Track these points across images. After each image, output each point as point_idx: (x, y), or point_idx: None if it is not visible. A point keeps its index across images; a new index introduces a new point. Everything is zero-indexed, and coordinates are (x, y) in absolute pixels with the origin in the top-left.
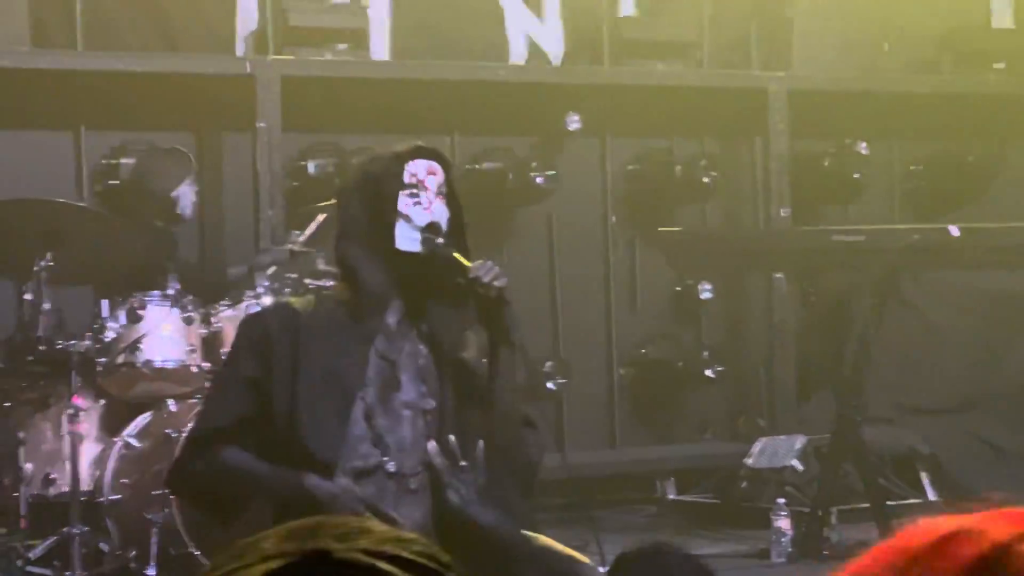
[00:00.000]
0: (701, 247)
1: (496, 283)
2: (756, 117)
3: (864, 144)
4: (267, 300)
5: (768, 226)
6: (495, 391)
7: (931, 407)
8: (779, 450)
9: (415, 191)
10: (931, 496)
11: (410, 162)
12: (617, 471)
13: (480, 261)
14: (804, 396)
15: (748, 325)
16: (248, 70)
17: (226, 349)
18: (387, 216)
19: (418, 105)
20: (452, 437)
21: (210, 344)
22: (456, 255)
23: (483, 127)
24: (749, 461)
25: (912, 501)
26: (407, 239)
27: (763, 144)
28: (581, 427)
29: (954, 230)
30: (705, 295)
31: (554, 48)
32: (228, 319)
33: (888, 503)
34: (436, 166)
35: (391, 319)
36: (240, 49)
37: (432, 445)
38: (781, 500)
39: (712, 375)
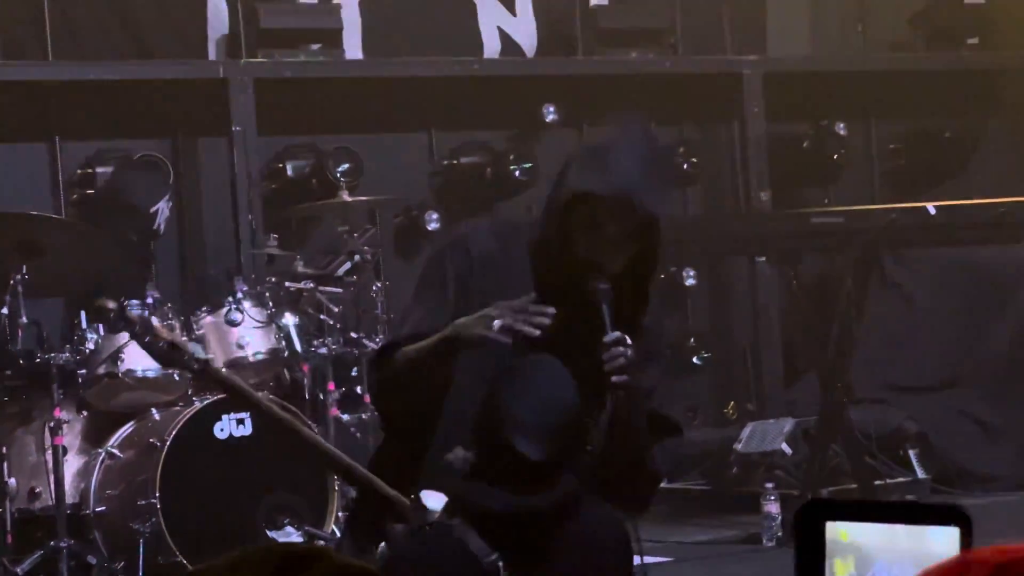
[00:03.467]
0: (682, 234)
1: (613, 378)
2: (732, 101)
3: (842, 125)
4: (247, 304)
5: (748, 210)
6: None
7: (917, 385)
8: (768, 434)
9: (594, 230)
10: (920, 474)
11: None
12: None
13: (617, 335)
14: (791, 379)
15: (733, 310)
16: (221, 74)
17: (209, 355)
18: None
19: (394, 102)
20: None
21: None
22: (604, 311)
23: (460, 122)
24: (738, 446)
25: (901, 480)
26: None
27: (741, 128)
28: None
29: (931, 208)
30: (689, 281)
31: (527, 40)
32: (209, 326)
33: (876, 482)
34: (624, 213)
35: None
36: (212, 53)
37: None
38: (770, 484)
39: (699, 362)
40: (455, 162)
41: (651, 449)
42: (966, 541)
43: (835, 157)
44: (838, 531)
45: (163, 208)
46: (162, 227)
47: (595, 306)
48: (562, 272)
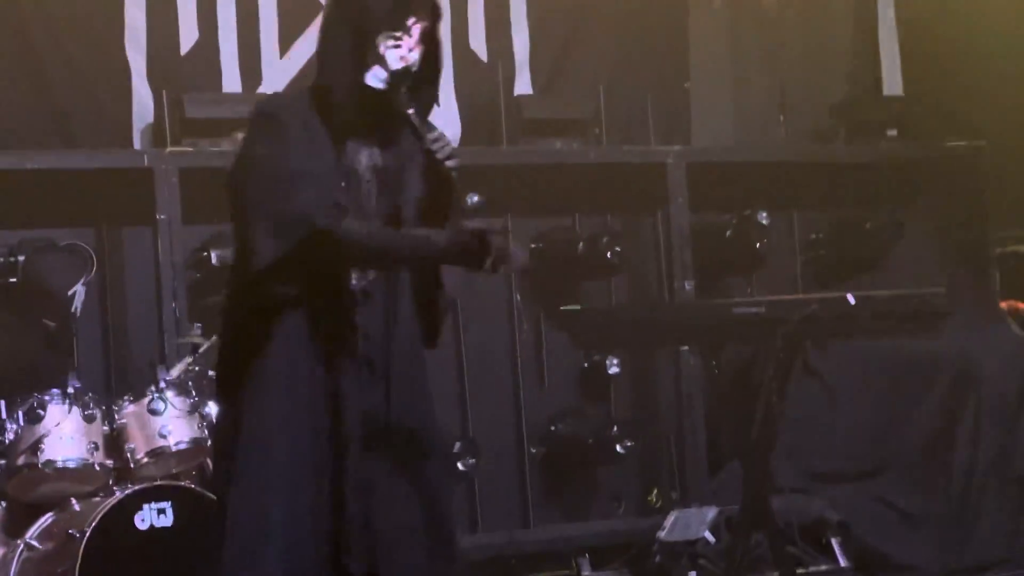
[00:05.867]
0: (605, 324)
1: (448, 162)
2: (657, 191)
3: (764, 214)
4: (170, 394)
5: (672, 299)
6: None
7: (838, 474)
8: (691, 522)
9: (399, 35)
10: (842, 563)
11: (404, 16)
12: (532, 550)
13: (438, 132)
14: (715, 468)
15: (657, 399)
16: (146, 163)
17: (130, 445)
18: (365, 55)
19: None
20: None
21: (113, 441)
22: (412, 118)
23: None
24: (662, 534)
25: (823, 568)
26: (375, 78)
27: (665, 217)
28: (494, 507)
29: (851, 298)
30: (613, 370)
31: (451, 129)
32: (131, 415)
33: (799, 571)
34: (425, 15)
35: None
36: (137, 143)
37: None
38: (692, 573)
39: (622, 450)
40: None
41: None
42: None
43: (758, 246)
44: None
45: (80, 291)
46: (79, 310)
47: (405, 118)
48: (363, 96)
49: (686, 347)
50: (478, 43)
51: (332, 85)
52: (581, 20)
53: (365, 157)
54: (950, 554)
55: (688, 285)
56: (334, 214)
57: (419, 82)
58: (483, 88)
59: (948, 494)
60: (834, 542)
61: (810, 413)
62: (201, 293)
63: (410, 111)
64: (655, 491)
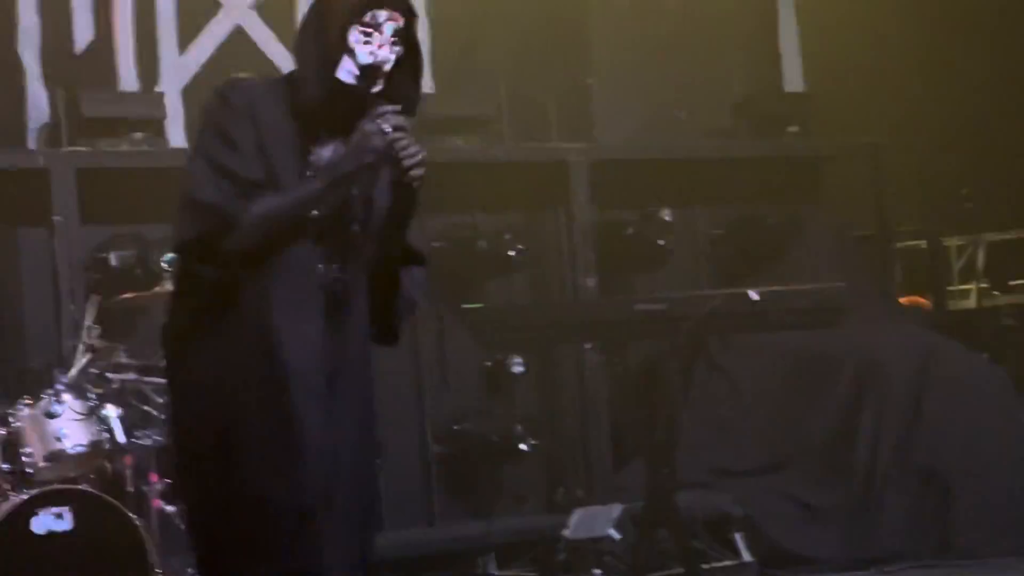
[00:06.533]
0: (506, 322)
1: (413, 172)
2: (559, 188)
3: (667, 211)
4: (68, 397)
5: (575, 297)
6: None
7: (742, 468)
8: (596, 520)
9: (369, 31)
10: (746, 557)
11: (373, 8)
12: (436, 549)
13: (408, 140)
14: (620, 465)
15: (561, 397)
16: (41, 164)
17: (27, 449)
18: (334, 46)
19: None
20: None
21: (9, 445)
22: (384, 117)
23: None
24: (567, 532)
25: (728, 563)
26: (346, 72)
27: (567, 215)
28: (398, 506)
29: (753, 294)
30: (516, 369)
31: None
32: (27, 418)
33: (703, 566)
34: (398, 14)
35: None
36: (32, 143)
37: None
38: (598, 571)
39: (526, 448)
40: None
41: (401, 273)
42: None
43: (661, 243)
44: None
45: None
46: None
47: (374, 108)
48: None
49: (589, 344)
50: None
51: (304, 76)
52: (482, 18)
53: (333, 154)
54: (853, 546)
55: (591, 282)
56: (240, 208)
57: (395, 84)
58: None
59: (851, 487)
60: (738, 537)
61: (714, 408)
62: (101, 294)
63: (383, 114)
64: (560, 489)
